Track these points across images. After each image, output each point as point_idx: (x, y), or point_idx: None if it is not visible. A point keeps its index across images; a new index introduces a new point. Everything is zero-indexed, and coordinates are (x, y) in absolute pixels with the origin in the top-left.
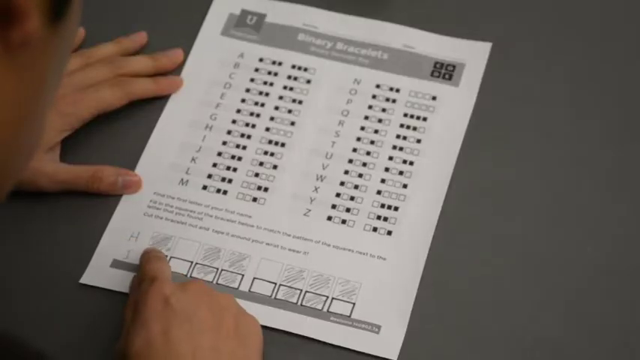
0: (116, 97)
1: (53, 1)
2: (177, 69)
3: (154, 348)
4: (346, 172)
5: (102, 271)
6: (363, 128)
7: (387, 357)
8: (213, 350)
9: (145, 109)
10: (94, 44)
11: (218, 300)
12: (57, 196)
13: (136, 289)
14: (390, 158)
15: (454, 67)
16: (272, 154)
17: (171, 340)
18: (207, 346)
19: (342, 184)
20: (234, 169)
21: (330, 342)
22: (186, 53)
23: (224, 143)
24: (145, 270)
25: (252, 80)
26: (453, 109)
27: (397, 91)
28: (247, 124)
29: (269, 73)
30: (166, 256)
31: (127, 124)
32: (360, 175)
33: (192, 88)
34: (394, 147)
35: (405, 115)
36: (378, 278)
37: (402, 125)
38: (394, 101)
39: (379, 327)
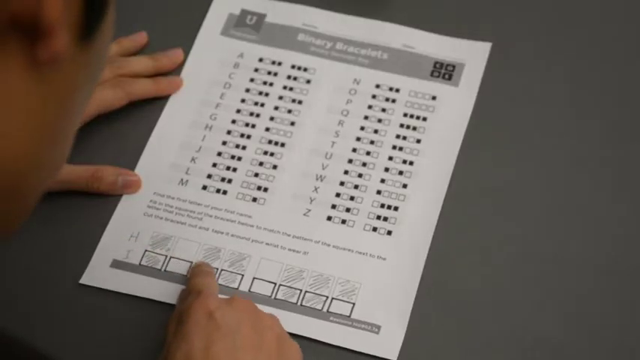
0: (116, 97)
1: (84, 20)
2: (177, 69)
3: None
4: (346, 172)
5: (102, 271)
6: (362, 128)
7: (386, 357)
8: None
9: (144, 109)
10: None
11: (262, 319)
12: (57, 196)
13: (182, 302)
14: (390, 158)
15: (454, 67)
16: (272, 154)
17: (212, 355)
18: None
19: (341, 184)
20: (234, 169)
21: (329, 342)
22: (186, 53)
23: (224, 143)
24: (192, 284)
25: (251, 80)
26: (453, 109)
27: (397, 91)
28: (247, 124)
29: (269, 73)
30: (215, 269)
31: (127, 124)
32: (360, 175)
33: (192, 88)
34: (394, 147)
35: (405, 115)
36: (377, 278)
37: (401, 125)
38: (394, 101)
39: (379, 327)
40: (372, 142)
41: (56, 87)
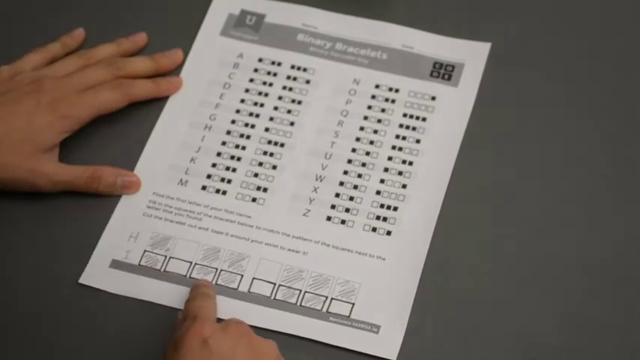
0: (116, 99)
1: None
2: (177, 69)
3: None
4: (345, 173)
5: (101, 272)
6: (362, 128)
7: (386, 357)
8: None
9: (144, 110)
10: (93, 45)
11: (258, 345)
12: (56, 196)
13: (180, 325)
14: (390, 158)
15: (453, 67)
16: (271, 155)
17: None
18: None
19: (341, 184)
20: (234, 170)
21: (329, 342)
22: (186, 53)
23: (223, 143)
24: (189, 307)
25: (251, 80)
26: (452, 109)
27: (396, 91)
28: (246, 125)
29: (268, 73)
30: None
31: (127, 125)
32: (360, 176)
33: (192, 89)
34: (393, 147)
35: (405, 115)
36: (377, 278)
37: (401, 125)
38: (393, 101)
39: (378, 327)
40: (371, 143)
41: None
